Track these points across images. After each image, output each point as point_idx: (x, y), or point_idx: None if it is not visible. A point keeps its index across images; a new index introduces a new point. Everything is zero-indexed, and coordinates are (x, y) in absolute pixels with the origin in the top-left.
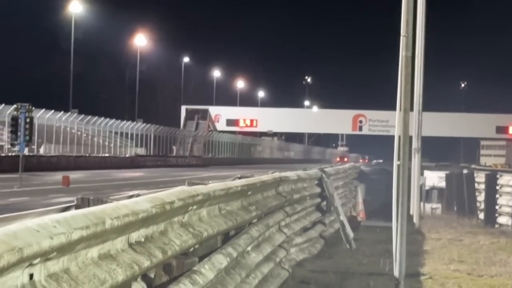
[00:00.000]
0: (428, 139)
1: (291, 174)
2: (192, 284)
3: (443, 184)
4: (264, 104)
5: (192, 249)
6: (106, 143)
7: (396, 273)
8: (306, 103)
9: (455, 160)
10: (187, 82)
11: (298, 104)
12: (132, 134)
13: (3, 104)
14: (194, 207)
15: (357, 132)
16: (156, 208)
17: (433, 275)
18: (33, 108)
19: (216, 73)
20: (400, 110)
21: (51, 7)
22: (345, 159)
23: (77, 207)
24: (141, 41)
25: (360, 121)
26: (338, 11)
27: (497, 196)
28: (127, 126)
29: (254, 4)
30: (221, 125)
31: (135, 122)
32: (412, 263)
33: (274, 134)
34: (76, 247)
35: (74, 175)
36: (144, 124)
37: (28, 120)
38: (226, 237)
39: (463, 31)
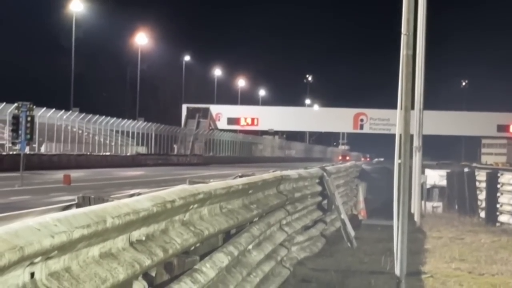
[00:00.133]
0: (429, 138)
1: (292, 172)
2: (193, 282)
3: (444, 182)
4: (265, 102)
5: (193, 247)
6: (107, 142)
7: (397, 271)
8: (307, 101)
9: (456, 159)
10: (188, 81)
11: (299, 103)
12: (133, 133)
13: (4, 103)
14: (195, 205)
15: (358, 131)
16: (157, 207)
17: (434, 274)
18: (34, 106)
19: (217, 72)
20: (401, 108)
21: (52, 6)
22: (347, 158)
23: (78, 205)
24: (142, 39)
25: (361, 120)
26: (339, 9)
27: (498, 194)
28: (128, 124)
29: (255, 2)
30: (222, 124)
31: (136, 121)
32: (413, 262)
33: (275, 133)
34: (77, 246)
35: (75, 173)
36: (145, 122)
37: (29, 118)
38: (227, 236)
39: (464, 29)
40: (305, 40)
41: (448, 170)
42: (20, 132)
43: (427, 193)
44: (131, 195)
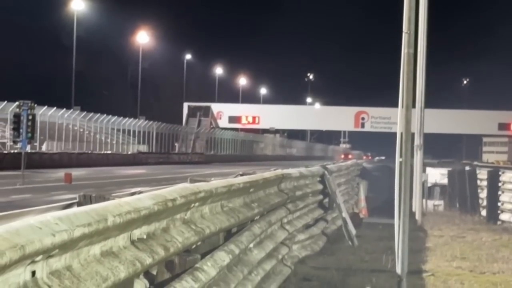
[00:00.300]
0: (430, 136)
1: (293, 171)
2: (194, 281)
3: (445, 181)
4: (266, 101)
5: (194, 246)
6: (108, 140)
7: (398, 270)
8: (308, 100)
9: (458, 157)
10: (189, 79)
11: (300, 101)
12: (134, 131)
13: (6, 101)
14: (196, 204)
15: (359, 129)
16: (158, 205)
17: (435, 272)
18: (35, 105)
19: (218, 70)
20: (402, 107)
21: (53, 5)
22: (350, 156)
23: (79, 204)
24: (143, 38)
25: (362, 118)
26: (340, 8)
27: (500, 193)
28: (129, 123)
29: (255, 1)
30: (223, 122)
31: (137, 119)
32: (415, 260)
33: (276, 131)
34: (78, 244)
35: (76, 172)
36: (147, 121)
37: (30, 117)
38: (228, 234)
39: (465, 28)
40: (306, 38)
41: (449, 169)
42: (21, 130)
43: (428, 192)
44: (132, 194)
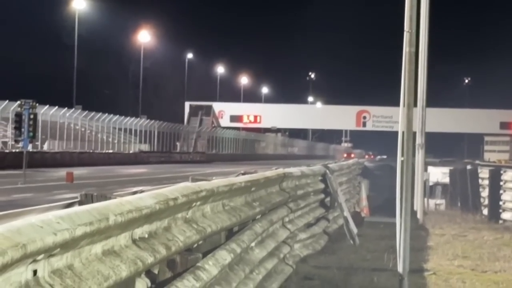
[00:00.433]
0: (432, 135)
1: (294, 170)
2: (196, 280)
3: (447, 180)
4: (268, 100)
5: (195, 245)
6: (110, 139)
7: (400, 268)
8: (310, 99)
9: (459, 156)
10: (191, 78)
11: (301, 100)
12: (135, 130)
13: (7, 101)
14: (198, 203)
15: (361, 128)
16: (159, 204)
17: (437, 271)
18: (37, 104)
19: (220, 69)
20: (404, 106)
21: (55, 3)
22: (352, 155)
23: (81, 203)
24: (144, 37)
25: (364, 117)
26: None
27: (501, 191)
28: (130, 122)
29: (257, 0)
30: (224, 121)
31: (138, 118)
32: (416, 259)
33: (278, 130)
34: (80, 243)
35: (77, 171)
36: (148, 120)
37: (32, 116)
38: (230, 233)
39: (467, 27)
40: (307, 37)
41: (451, 168)
42: (23, 129)
43: (430, 191)
44: (134, 193)
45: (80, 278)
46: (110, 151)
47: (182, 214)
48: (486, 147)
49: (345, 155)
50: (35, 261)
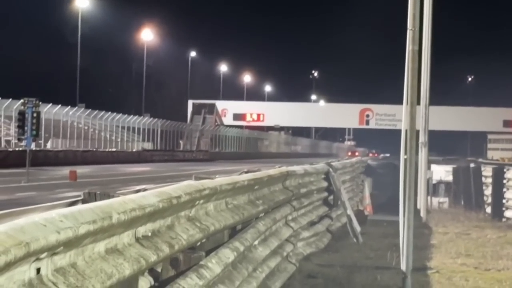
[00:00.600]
0: (435, 133)
1: (298, 168)
2: (199, 278)
3: (450, 178)
4: (271, 98)
5: (199, 243)
6: (113, 138)
7: (403, 267)
8: (313, 97)
9: (462, 154)
10: (194, 77)
11: (305, 98)
12: (139, 129)
13: (10, 99)
14: (201, 201)
15: (364, 126)
16: (163, 203)
17: (440, 269)
18: (40, 102)
19: (223, 68)
20: (407, 104)
21: (58, 2)
22: (356, 154)
23: (84, 201)
24: (147, 35)
25: (367, 115)
26: (345, 4)
27: (504, 190)
28: (134, 120)
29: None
30: (228, 120)
31: (142, 117)
32: (419, 257)
33: (281, 128)
34: (83, 242)
35: (81, 169)
36: (151, 118)
37: (35, 114)
38: (233, 232)
39: (470, 25)
40: (311, 35)
41: (454, 166)
42: (26, 128)
43: (433, 189)
44: (137, 191)
45: (83, 276)
46: (113, 149)
47: (185, 213)
48: (489, 145)
49: (349, 153)
50: (38, 259)
